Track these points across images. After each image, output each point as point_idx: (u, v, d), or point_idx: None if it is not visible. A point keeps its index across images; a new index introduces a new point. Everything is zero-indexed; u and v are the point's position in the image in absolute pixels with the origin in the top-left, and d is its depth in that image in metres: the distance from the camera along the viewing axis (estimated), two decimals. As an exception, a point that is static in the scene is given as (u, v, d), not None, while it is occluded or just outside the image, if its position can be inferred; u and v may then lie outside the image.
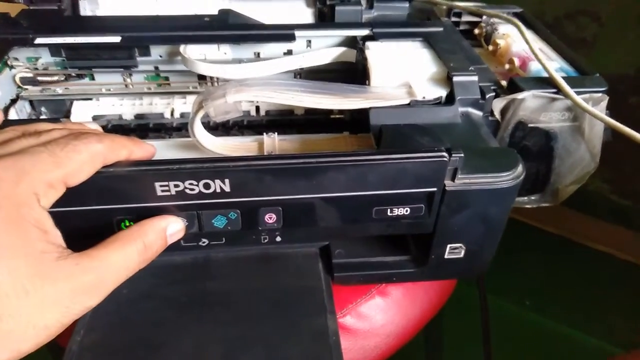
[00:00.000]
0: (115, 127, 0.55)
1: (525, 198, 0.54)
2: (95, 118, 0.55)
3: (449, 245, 0.41)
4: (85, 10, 0.59)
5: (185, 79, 0.57)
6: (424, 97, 0.45)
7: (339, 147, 0.47)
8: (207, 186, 0.34)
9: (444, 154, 0.35)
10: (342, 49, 0.54)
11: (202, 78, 0.57)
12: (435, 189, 0.37)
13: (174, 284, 0.41)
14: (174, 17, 0.58)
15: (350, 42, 0.55)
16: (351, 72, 0.54)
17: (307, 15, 0.62)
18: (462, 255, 0.42)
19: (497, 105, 0.46)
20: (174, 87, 0.57)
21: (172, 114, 0.57)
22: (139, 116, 0.56)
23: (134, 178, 0.33)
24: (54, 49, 0.52)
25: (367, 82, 0.48)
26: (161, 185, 0.34)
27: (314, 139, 0.48)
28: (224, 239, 0.38)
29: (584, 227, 1.21)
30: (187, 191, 0.34)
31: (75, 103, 0.56)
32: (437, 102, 0.45)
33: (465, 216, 0.39)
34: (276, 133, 0.48)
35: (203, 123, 0.43)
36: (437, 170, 0.36)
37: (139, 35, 0.52)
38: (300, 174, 0.35)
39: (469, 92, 0.46)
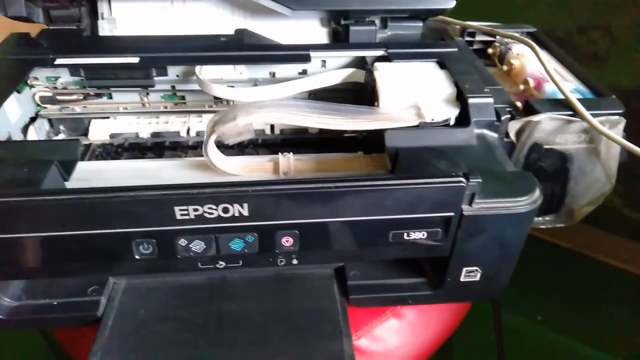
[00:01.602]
0: (132, 145, 0.56)
1: (540, 218, 0.53)
2: (113, 136, 0.56)
3: (465, 269, 0.41)
4: (104, 30, 0.60)
5: (201, 98, 0.57)
6: (432, 119, 0.45)
7: (353, 167, 0.47)
8: (225, 210, 0.35)
9: (462, 179, 0.35)
10: (351, 70, 0.54)
11: (218, 97, 0.58)
12: (452, 214, 0.37)
13: (190, 305, 0.41)
14: (191, 37, 0.58)
15: (360, 63, 0.55)
16: (362, 91, 0.55)
17: (321, 35, 0.62)
18: (478, 278, 0.42)
19: (513, 127, 0.46)
20: (190, 106, 0.58)
21: (188, 133, 0.57)
22: (155, 134, 0.57)
23: (154, 202, 0.34)
24: (74, 69, 0.53)
25: (376, 103, 0.48)
26: (180, 210, 0.34)
27: (328, 158, 0.49)
28: (241, 261, 0.38)
29: (596, 241, 1.20)
30: (206, 215, 0.35)
31: (93, 121, 0.57)
32: (453, 124, 0.45)
33: (482, 240, 0.39)
34: (291, 153, 0.48)
35: (219, 141, 0.44)
36: (454, 196, 0.36)
37: (157, 55, 0.53)
38: (318, 198, 0.35)
39: (485, 114, 0.46)
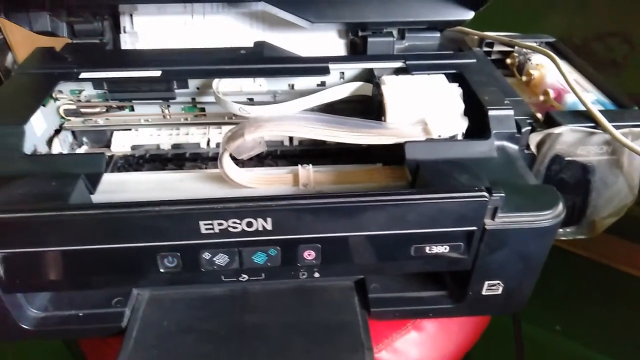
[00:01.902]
0: (153, 157, 0.57)
1: (561, 230, 0.53)
2: (134, 148, 0.57)
3: (487, 282, 0.41)
4: (126, 43, 0.61)
5: (221, 109, 0.58)
6: (439, 135, 0.45)
7: (373, 179, 0.47)
8: (249, 224, 0.35)
9: (485, 193, 0.35)
10: (359, 83, 0.54)
11: (236, 109, 0.58)
12: (475, 228, 0.37)
13: (212, 316, 0.42)
14: (211, 50, 0.59)
15: (368, 76, 0.55)
16: (371, 102, 0.55)
17: (339, 46, 0.63)
18: (500, 292, 0.42)
19: (534, 139, 0.46)
20: (209, 118, 0.59)
21: (208, 144, 0.58)
22: (175, 146, 0.58)
23: (179, 217, 0.34)
24: (97, 82, 0.54)
25: (383, 117, 0.48)
26: (205, 224, 0.35)
27: (348, 170, 0.49)
28: (263, 274, 0.39)
29: (616, 250, 1.18)
30: (230, 229, 0.35)
31: (115, 133, 0.58)
32: (474, 137, 0.45)
33: (504, 254, 0.39)
34: (311, 165, 0.49)
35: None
36: (477, 210, 0.36)
37: (178, 69, 0.53)
38: (341, 213, 0.35)
39: (505, 126, 0.46)
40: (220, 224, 0.35)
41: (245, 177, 0.45)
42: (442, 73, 0.54)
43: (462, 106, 0.48)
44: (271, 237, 0.36)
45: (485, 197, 0.35)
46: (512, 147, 0.46)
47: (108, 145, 0.57)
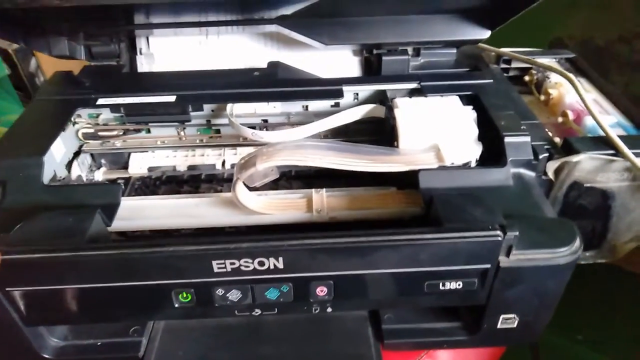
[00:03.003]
0: (170, 179, 0.57)
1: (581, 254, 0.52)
2: (151, 169, 0.58)
3: (502, 316, 0.40)
4: (142, 65, 0.62)
5: (236, 131, 0.59)
6: (452, 163, 0.45)
7: (387, 205, 0.47)
8: (261, 263, 0.35)
9: (498, 232, 0.35)
10: (371, 106, 0.53)
11: (251, 131, 0.59)
12: (489, 266, 0.36)
13: (227, 346, 0.42)
14: (225, 72, 0.60)
15: (381, 97, 0.55)
16: (384, 124, 0.54)
17: (353, 64, 0.62)
18: (515, 325, 0.41)
19: (551, 166, 0.45)
20: (225, 139, 0.59)
21: (223, 165, 0.58)
22: (191, 167, 0.58)
23: (192, 257, 0.35)
24: (114, 107, 0.55)
25: (395, 143, 0.48)
26: (218, 263, 0.35)
27: (361, 195, 0.49)
28: (276, 309, 0.39)
29: (637, 255, 1.16)
30: (242, 268, 0.35)
31: (132, 155, 0.58)
32: (489, 164, 0.45)
33: (519, 290, 0.38)
34: (324, 189, 0.49)
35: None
36: (491, 249, 0.36)
37: (192, 93, 0.54)
38: (353, 252, 0.35)
39: (521, 153, 0.45)
40: (232, 263, 0.35)
41: (258, 203, 0.46)
42: (448, 95, 0.53)
43: (476, 131, 0.47)
44: (283, 275, 0.36)
45: (499, 236, 0.35)
46: (529, 174, 0.45)
47: (126, 167, 0.58)
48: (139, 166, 0.58)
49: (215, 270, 0.35)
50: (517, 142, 0.45)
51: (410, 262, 0.36)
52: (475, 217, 0.37)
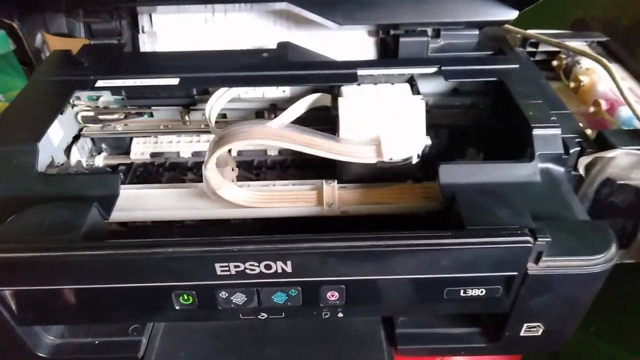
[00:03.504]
0: (173, 165, 0.55)
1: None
2: (154, 155, 0.55)
3: (526, 324, 0.38)
4: (144, 44, 0.58)
5: (244, 115, 0.55)
6: (391, 159, 0.42)
7: (403, 199, 0.44)
8: (268, 267, 0.32)
9: (529, 238, 0.32)
10: (317, 95, 0.49)
11: (259, 115, 0.55)
12: (515, 273, 0.33)
13: (231, 348, 0.40)
14: (232, 53, 0.56)
15: (326, 87, 0.50)
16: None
17: (368, 45, 0.58)
18: (539, 333, 0.38)
19: (583, 162, 0.42)
20: (231, 124, 0.56)
21: (229, 152, 0.55)
22: (196, 153, 0.55)
23: (194, 259, 0.32)
24: (115, 89, 0.51)
25: (337, 133, 0.44)
26: (221, 266, 0.32)
27: (375, 188, 0.46)
28: (283, 313, 0.36)
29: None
30: (248, 271, 0.33)
31: (134, 140, 0.56)
32: (517, 159, 0.41)
33: (547, 298, 0.35)
34: (335, 181, 0.46)
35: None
36: (519, 256, 0.33)
37: (197, 76, 0.50)
38: (369, 257, 0.32)
39: (551, 146, 0.42)
40: (236, 267, 0.32)
41: (247, 196, 0.43)
42: (479, 80, 0.50)
43: (423, 124, 0.44)
44: (291, 279, 0.33)
45: (529, 242, 0.32)
46: (558, 169, 0.42)
47: (127, 152, 0.56)
48: (141, 152, 0.55)
49: (219, 273, 0.33)
50: (546, 134, 0.42)
51: (430, 268, 0.33)
52: (502, 219, 0.34)
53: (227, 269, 0.32)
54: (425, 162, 0.56)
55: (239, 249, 0.32)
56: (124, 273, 0.33)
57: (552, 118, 0.43)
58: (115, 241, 0.33)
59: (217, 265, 0.32)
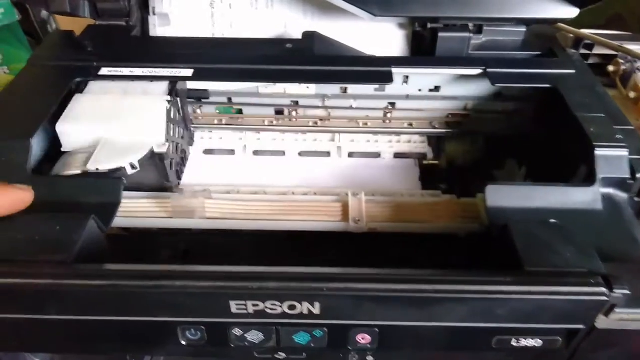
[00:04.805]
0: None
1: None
2: (160, 153, 0.50)
3: (582, 378, 0.33)
4: (155, 27, 0.53)
5: (261, 112, 0.50)
6: (97, 169, 0.36)
7: (439, 217, 0.39)
8: (292, 307, 0.28)
9: (604, 290, 0.27)
10: None
11: (279, 112, 0.50)
12: (581, 327, 0.28)
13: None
14: (252, 42, 0.50)
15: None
16: None
17: (399, 39, 0.53)
18: (596, 387, 0.33)
19: (652, 189, 0.37)
20: (247, 121, 0.51)
21: (244, 152, 0.51)
22: (207, 152, 0.50)
23: (205, 296, 0.27)
24: (120, 78, 0.46)
25: None
26: (237, 304, 0.27)
27: (407, 202, 0.41)
28: (305, 354, 0.32)
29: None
30: (268, 311, 0.28)
31: (139, 134, 0.50)
32: (576, 182, 0.36)
33: (612, 353, 0.30)
34: (363, 193, 0.41)
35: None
36: (590, 309, 0.28)
37: (213, 67, 0.45)
38: (412, 303, 0.27)
39: (616, 169, 0.36)
40: (255, 305, 0.27)
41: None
42: (527, 86, 0.44)
43: (161, 127, 0.39)
44: (318, 320, 0.29)
45: (604, 294, 0.27)
46: (621, 195, 0.37)
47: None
48: (146, 147, 0.50)
49: (234, 311, 0.28)
50: (611, 155, 0.37)
51: (482, 317, 0.28)
52: (567, 259, 0.29)
53: (243, 307, 0.28)
54: (461, 173, 0.52)
55: (260, 287, 0.27)
56: (123, 306, 0.28)
57: (617, 136, 0.37)
58: (114, 269, 0.28)
59: (232, 303, 0.27)
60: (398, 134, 0.50)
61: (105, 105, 0.41)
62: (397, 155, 0.50)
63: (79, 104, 0.41)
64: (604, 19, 0.96)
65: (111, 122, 0.39)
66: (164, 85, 0.43)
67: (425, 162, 0.50)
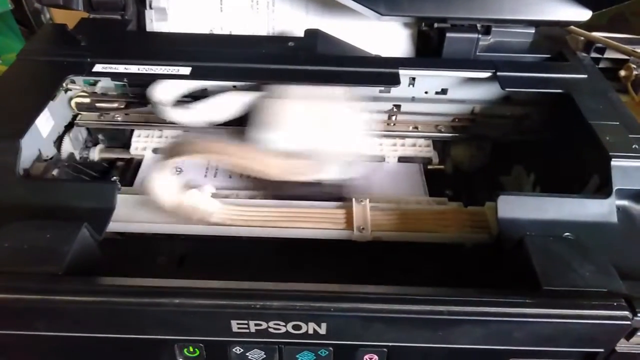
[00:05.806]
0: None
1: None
2: (157, 151, 0.48)
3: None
4: (152, 21, 0.51)
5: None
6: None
7: (447, 227, 0.38)
8: (297, 327, 0.26)
9: (627, 314, 0.25)
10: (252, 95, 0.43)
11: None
12: (601, 350, 0.27)
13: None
14: (253, 40, 0.48)
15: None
16: None
17: (404, 38, 0.51)
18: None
19: (669, 201, 0.35)
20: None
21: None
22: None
23: (205, 314, 0.26)
24: (115, 75, 0.44)
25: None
26: (239, 324, 0.26)
27: (414, 210, 0.39)
28: (308, 373, 0.30)
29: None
30: (271, 330, 0.26)
31: (135, 132, 0.49)
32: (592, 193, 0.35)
33: (629, 375, 0.29)
34: (368, 200, 0.39)
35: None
36: (612, 332, 0.26)
37: (212, 65, 0.43)
38: (423, 324, 0.26)
39: (633, 181, 0.35)
40: (257, 325, 0.26)
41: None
42: (539, 91, 0.43)
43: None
44: (324, 340, 0.27)
45: (627, 318, 0.25)
46: (637, 208, 0.36)
47: (127, 145, 0.49)
48: (142, 147, 0.48)
49: (235, 330, 0.26)
50: (628, 166, 0.35)
51: (496, 339, 0.27)
52: (586, 279, 0.28)
53: (245, 326, 0.26)
54: (466, 178, 0.50)
55: (263, 306, 0.25)
56: (116, 323, 0.26)
57: (634, 146, 0.36)
58: (108, 283, 0.26)
59: (233, 322, 0.26)
60: (403, 137, 0.49)
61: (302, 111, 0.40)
62: (402, 159, 0.48)
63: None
64: (606, 19, 0.95)
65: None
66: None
67: (430, 167, 0.49)
